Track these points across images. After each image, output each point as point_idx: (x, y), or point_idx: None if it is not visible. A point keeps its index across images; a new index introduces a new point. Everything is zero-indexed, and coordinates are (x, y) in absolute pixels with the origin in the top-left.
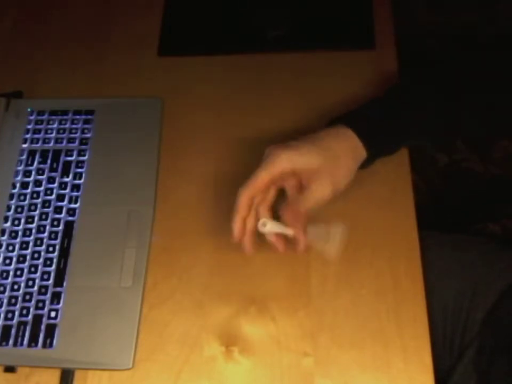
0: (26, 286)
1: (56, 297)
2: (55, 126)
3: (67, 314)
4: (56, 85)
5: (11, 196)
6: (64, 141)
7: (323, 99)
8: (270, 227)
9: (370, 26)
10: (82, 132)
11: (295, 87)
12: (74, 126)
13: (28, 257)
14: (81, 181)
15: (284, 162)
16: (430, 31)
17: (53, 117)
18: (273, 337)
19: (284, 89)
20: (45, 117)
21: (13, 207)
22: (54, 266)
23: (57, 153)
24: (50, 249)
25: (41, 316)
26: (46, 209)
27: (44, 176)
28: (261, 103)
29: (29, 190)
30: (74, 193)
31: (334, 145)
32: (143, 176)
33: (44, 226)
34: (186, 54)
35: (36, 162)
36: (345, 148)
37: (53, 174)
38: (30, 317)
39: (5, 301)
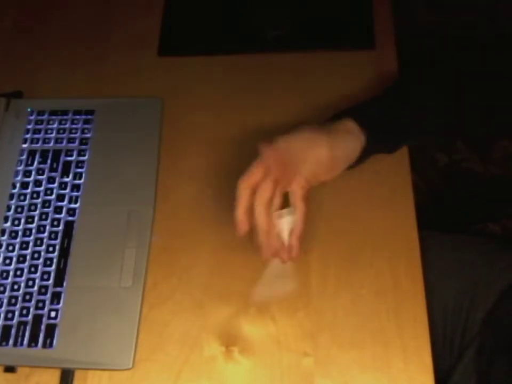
0: (26, 286)
1: (56, 297)
2: (55, 126)
3: (67, 314)
4: (56, 85)
5: (11, 196)
6: (64, 141)
7: (323, 99)
8: (284, 221)
9: (370, 26)
10: (82, 132)
11: (295, 87)
12: (74, 126)
13: (28, 257)
14: (81, 181)
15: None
16: (430, 31)
17: (53, 117)
18: (273, 337)
19: (283, 89)
20: (45, 117)
21: (13, 207)
22: (54, 266)
23: (57, 153)
24: (50, 249)
25: (41, 316)
26: (46, 209)
27: (44, 176)
28: (261, 103)
29: (29, 190)
30: (74, 193)
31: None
32: (143, 176)
33: (44, 226)
34: (186, 54)
35: (36, 162)
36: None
37: (53, 174)
38: (30, 317)
39: (5, 301)
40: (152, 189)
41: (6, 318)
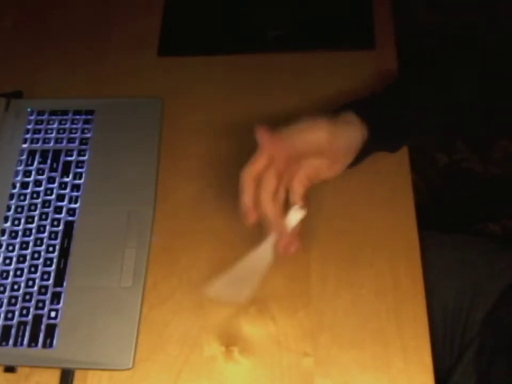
0: (26, 286)
1: (56, 297)
2: (55, 126)
3: (67, 314)
4: (56, 85)
5: (11, 196)
6: (64, 141)
7: (323, 99)
8: (293, 218)
9: (370, 26)
10: (82, 132)
11: (295, 87)
12: (74, 126)
13: (28, 257)
14: (81, 181)
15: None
16: (430, 31)
17: (53, 117)
18: (273, 337)
19: (283, 89)
20: (45, 117)
21: (13, 207)
22: (54, 266)
23: (57, 153)
24: (50, 249)
25: (41, 316)
26: (46, 209)
27: (44, 176)
28: (261, 103)
29: (29, 190)
30: (74, 193)
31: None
32: (143, 176)
33: (44, 226)
34: (186, 54)
35: (36, 162)
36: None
37: (53, 174)
38: (30, 317)
39: (5, 301)
40: (152, 189)
41: (6, 318)
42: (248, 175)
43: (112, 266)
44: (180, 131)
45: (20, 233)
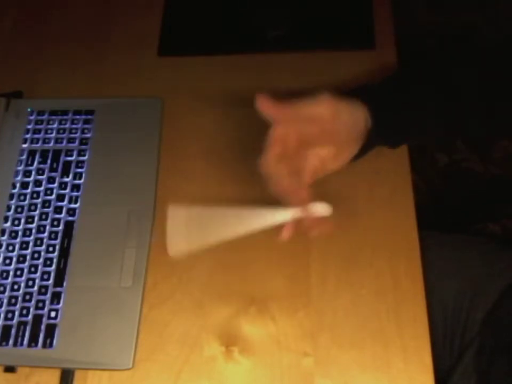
0: (26, 286)
1: (56, 297)
2: (55, 126)
3: (67, 314)
4: (56, 85)
5: (11, 196)
6: (64, 141)
7: None
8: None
9: (370, 26)
10: (82, 132)
11: (295, 87)
12: (74, 126)
13: (28, 257)
14: (81, 181)
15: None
16: (430, 31)
17: (53, 117)
18: (273, 337)
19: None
20: (45, 117)
21: (13, 207)
22: (54, 266)
23: (57, 153)
24: (50, 249)
25: (41, 316)
26: (46, 209)
27: (44, 176)
28: None
29: (29, 190)
30: (74, 193)
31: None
32: (143, 176)
33: (44, 226)
34: (186, 54)
35: (36, 162)
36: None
37: (53, 174)
38: (30, 317)
39: (5, 301)
40: (152, 189)
41: (6, 318)
42: (271, 161)
43: (112, 266)
44: (180, 131)
45: (20, 233)
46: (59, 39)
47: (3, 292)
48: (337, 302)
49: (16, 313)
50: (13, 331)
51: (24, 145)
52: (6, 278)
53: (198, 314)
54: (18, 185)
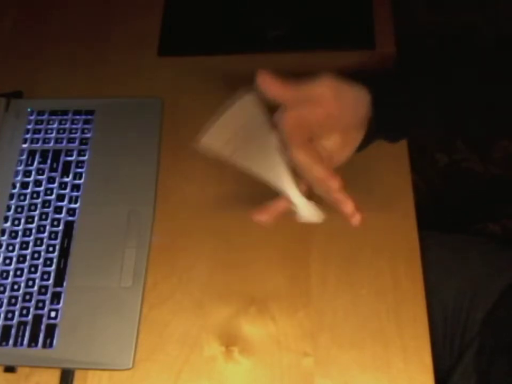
0: (26, 286)
1: (56, 297)
2: (55, 126)
3: (67, 314)
4: (56, 85)
5: (11, 196)
6: (64, 141)
7: None
8: None
9: (370, 26)
10: (82, 132)
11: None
12: (74, 126)
13: (28, 257)
14: (81, 181)
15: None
16: (430, 31)
17: (53, 117)
18: (273, 337)
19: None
20: (45, 117)
21: (13, 207)
22: (54, 266)
23: (57, 153)
24: (50, 249)
25: (41, 316)
26: (46, 209)
27: (44, 176)
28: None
29: (29, 190)
30: (74, 193)
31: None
32: (143, 176)
33: (44, 226)
34: (186, 54)
35: (36, 162)
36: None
37: (53, 174)
38: (30, 317)
39: (5, 301)
40: (152, 189)
41: (6, 318)
42: (298, 152)
43: (112, 266)
44: (180, 131)
45: (20, 233)
46: (59, 39)
47: (3, 292)
48: (337, 302)
49: (16, 313)
50: (13, 331)
51: (24, 145)
52: (6, 278)
53: (198, 314)
54: (18, 185)
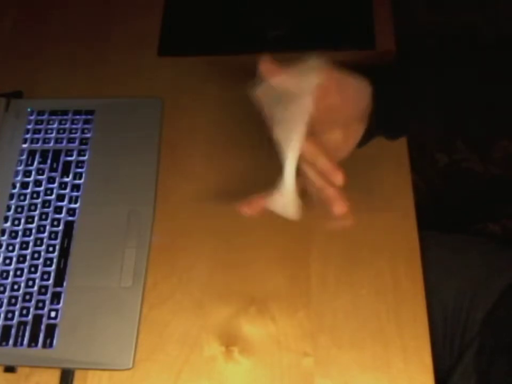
0: (26, 286)
1: (56, 297)
2: (55, 126)
3: (67, 314)
4: (56, 85)
5: (11, 196)
6: (64, 141)
7: None
8: None
9: (370, 26)
10: (82, 132)
11: None
12: (74, 126)
13: (28, 257)
14: (81, 181)
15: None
16: (430, 31)
17: (53, 117)
18: (273, 337)
19: None
20: (45, 117)
21: (13, 207)
22: (54, 266)
23: (57, 153)
24: (50, 249)
25: (41, 316)
26: (46, 209)
27: (44, 176)
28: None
29: (29, 190)
30: (74, 193)
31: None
32: (143, 176)
33: (44, 226)
34: (186, 54)
35: (36, 162)
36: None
37: (53, 174)
38: (30, 317)
39: (5, 301)
40: (152, 189)
41: (6, 318)
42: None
43: (112, 266)
44: (180, 131)
45: (20, 233)
46: (59, 39)
47: (3, 292)
48: (337, 302)
49: (16, 313)
50: (13, 331)
51: (24, 145)
52: (6, 278)
53: (198, 314)
54: (18, 185)
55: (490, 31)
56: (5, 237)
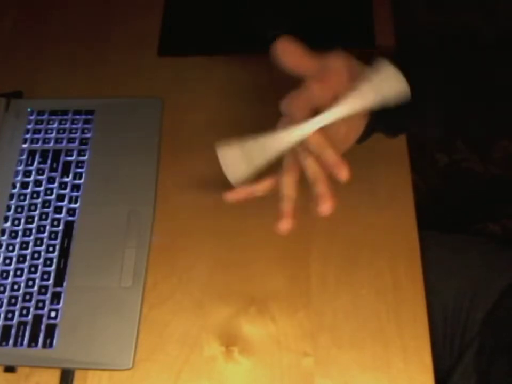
0: (26, 286)
1: (56, 297)
2: (55, 126)
3: (67, 314)
4: (56, 85)
5: (11, 196)
6: (64, 141)
7: None
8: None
9: (370, 26)
10: (82, 132)
11: (295, 87)
12: (74, 126)
13: (28, 257)
14: (81, 181)
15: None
16: (430, 31)
17: (53, 117)
18: (273, 337)
19: (284, 89)
20: (45, 117)
21: (13, 207)
22: (54, 266)
23: (57, 153)
24: (50, 249)
25: (41, 316)
26: (46, 209)
27: (44, 176)
28: (261, 103)
29: (29, 190)
30: (74, 193)
31: None
32: (143, 176)
33: (44, 226)
34: (186, 54)
35: (36, 162)
36: None
37: (53, 174)
38: (30, 317)
39: (5, 301)
40: (152, 189)
41: (6, 318)
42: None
43: (112, 266)
44: (180, 131)
45: (20, 233)
46: (59, 39)
47: (3, 292)
48: (337, 302)
49: (16, 313)
50: (13, 331)
51: (24, 145)
52: (6, 278)
53: (198, 314)
54: (18, 185)
55: (490, 31)
56: (5, 237)
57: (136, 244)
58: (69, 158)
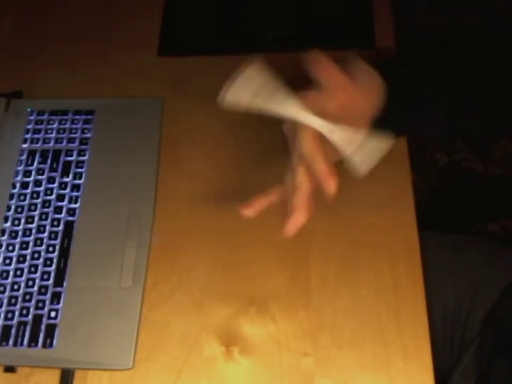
0: (26, 286)
1: (56, 297)
2: (55, 126)
3: (67, 314)
4: (56, 85)
5: (11, 196)
6: (64, 141)
7: None
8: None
9: (370, 26)
10: (82, 132)
11: (295, 87)
12: (74, 126)
13: (28, 257)
14: (81, 181)
15: None
16: (430, 31)
17: (53, 117)
18: (273, 337)
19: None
20: (45, 117)
21: (13, 207)
22: (54, 266)
23: (57, 153)
24: (50, 249)
25: (41, 316)
26: (46, 209)
27: (44, 176)
28: None
29: (29, 190)
30: (74, 193)
31: None
32: (143, 176)
33: (44, 226)
34: (186, 54)
35: (36, 162)
36: None
37: (53, 174)
38: (30, 317)
39: (5, 301)
40: (152, 189)
41: (6, 318)
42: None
43: (112, 266)
44: (180, 131)
45: (20, 233)
46: (59, 39)
47: (3, 292)
48: (337, 302)
49: (16, 313)
50: (13, 331)
51: (24, 145)
52: (6, 278)
53: (198, 314)
54: (18, 185)
55: (490, 31)
56: (5, 237)
57: (136, 244)
58: (69, 158)
